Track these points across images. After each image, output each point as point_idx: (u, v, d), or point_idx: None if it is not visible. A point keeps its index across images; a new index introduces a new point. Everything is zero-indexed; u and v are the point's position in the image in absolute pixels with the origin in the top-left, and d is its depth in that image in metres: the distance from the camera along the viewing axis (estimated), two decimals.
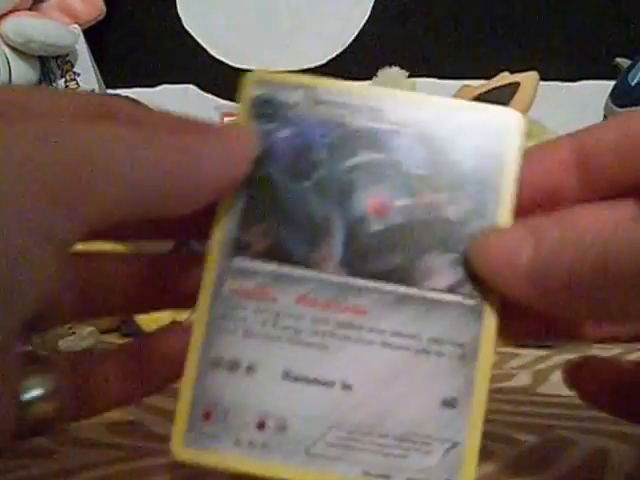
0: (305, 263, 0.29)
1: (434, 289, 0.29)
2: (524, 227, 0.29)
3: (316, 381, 0.29)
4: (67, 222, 0.24)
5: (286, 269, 0.29)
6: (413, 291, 0.29)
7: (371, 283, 0.29)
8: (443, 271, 0.29)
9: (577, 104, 0.77)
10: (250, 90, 0.30)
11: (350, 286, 0.29)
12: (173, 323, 0.31)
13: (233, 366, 0.29)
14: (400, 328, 0.29)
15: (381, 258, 0.29)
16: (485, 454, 0.29)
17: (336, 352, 0.29)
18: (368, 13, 0.87)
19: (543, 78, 0.69)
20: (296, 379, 0.29)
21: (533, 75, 0.69)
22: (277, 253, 0.29)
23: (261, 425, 0.28)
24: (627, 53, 0.71)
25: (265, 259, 0.29)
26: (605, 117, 0.68)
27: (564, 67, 0.82)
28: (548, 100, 0.70)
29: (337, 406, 0.29)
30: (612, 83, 0.68)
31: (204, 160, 0.27)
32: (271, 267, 0.29)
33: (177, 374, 0.29)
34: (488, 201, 0.30)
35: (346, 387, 0.29)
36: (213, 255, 0.29)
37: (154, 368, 0.31)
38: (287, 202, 0.30)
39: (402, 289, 0.29)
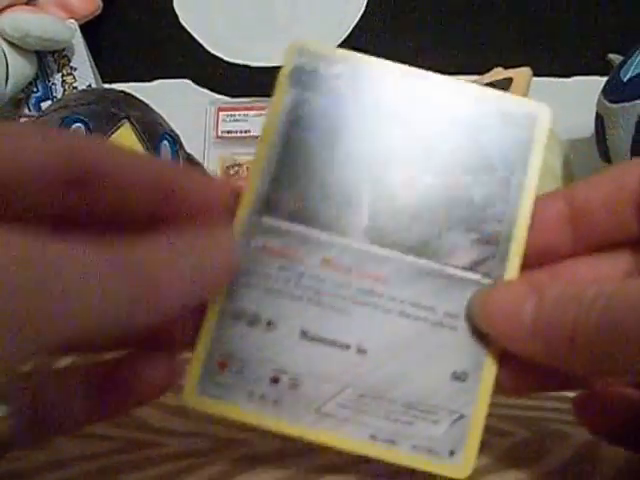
0: (332, 228, 0.30)
1: (454, 265, 0.30)
2: (526, 283, 0.29)
3: (332, 342, 0.29)
4: (12, 343, 0.22)
5: (313, 232, 0.30)
6: (434, 265, 0.30)
7: (393, 253, 0.30)
8: (464, 249, 0.30)
9: (570, 100, 0.77)
10: (293, 58, 0.31)
11: (373, 254, 0.30)
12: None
13: (253, 320, 0.29)
14: (418, 299, 0.30)
15: (405, 231, 0.30)
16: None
17: (354, 317, 0.29)
18: (363, 8, 0.88)
19: (536, 74, 0.70)
20: (313, 339, 0.29)
21: (526, 71, 0.69)
22: (306, 216, 0.30)
23: (275, 380, 0.29)
24: (619, 49, 0.72)
25: (294, 220, 0.30)
26: (597, 113, 0.68)
27: (557, 63, 0.82)
28: (541, 95, 0.70)
29: (350, 369, 0.29)
30: (605, 79, 0.68)
31: (172, 284, 0.25)
32: (299, 228, 0.30)
33: (148, 397, 0.29)
34: (512, 187, 0.31)
35: (361, 351, 0.29)
36: (243, 210, 0.30)
37: (120, 390, 0.29)
38: (319, 168, 0.30)
39: (423, 262, 0.30)
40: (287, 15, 0.89)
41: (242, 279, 0.29)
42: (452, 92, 0.31)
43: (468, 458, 0.29)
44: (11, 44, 0.75)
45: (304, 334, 0.29)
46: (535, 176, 0.31)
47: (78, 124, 0.64)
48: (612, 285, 0.26)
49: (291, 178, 0.30)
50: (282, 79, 0.31)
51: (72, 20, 0.81)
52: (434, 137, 0.31)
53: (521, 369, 0.30)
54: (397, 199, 0.30)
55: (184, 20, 0.89)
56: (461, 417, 0.29)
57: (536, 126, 0.31)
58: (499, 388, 0.30)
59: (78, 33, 0.81)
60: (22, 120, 0.78)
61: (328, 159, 0.30)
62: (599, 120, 0.68)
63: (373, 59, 0.31)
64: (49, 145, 0.27)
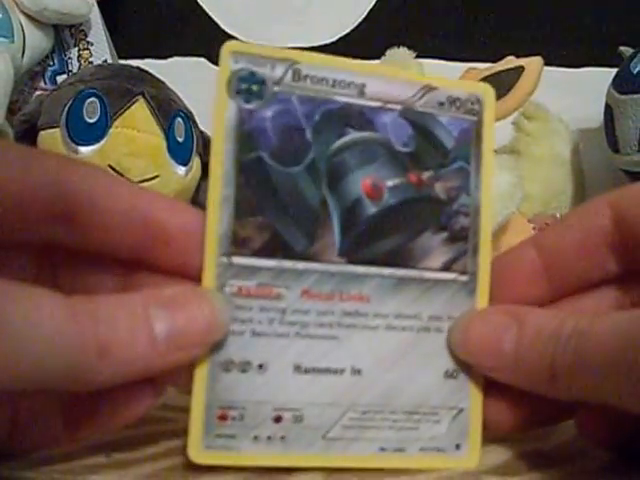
0: (306, 255, 0.29)
1: (430, 269, 0.30)
2: (505, 312, 0.29)
3: (327, 370, 0.29)
4: None
5: (287, 264, 0.28)
6: (411, 273, 0.30)
7: (371, 269, 0.29)
8: (437, 250, 0.30)
9: (580, 90, 0.77)
10: (229, 63, 0.28)
11: (351, 275, 0.29)
12: None
13: (244, 367, 0.28)
14: (401, 310, 0.30)
15: (378, 242, 0.29)
16: None
17: (344, 340, 0.29)
18: None
19: (547, 63, 0.70)
20: (307, 371, 0.29)
21: (538, 60, 0.69)
22: (277, 248, 0.28)
23: (278, 420, 0.29)
24: (631, 41, 0.72)
25: (265, 255, 0.28)
26: (607, 103, 0.69)
27: (568, 53, 0.82)
28: (552, 85, 0.70)
29: (349, 391, 0.29)
30: (615, 70, 0.69)
31: (136, 346, 0.25)
32: (272, 263, 0.28)
33: (125, 421, 0.28)
34: (471, 177, 0.30)
35: (355, 372, 0.29)
36: (211, 255, 0.28)
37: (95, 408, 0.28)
38: (280, 189, 0.28)
39: (401, 272, 0.30)
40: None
41: None
42: (398, 83, 0.30)
43: (474, 447, 0.30)
44: (29, 17, 0.74)
45: (297, 368, 0.29)
46: (490, 159, 0.30)
47: (93, 98, 0.64)
48: (586, 321, 0.27)
49: (253, 206, 0.28)
50: (219, 91, 0.28)
51: None
52: (389, 134, 0.30)
53: (509, 405, 0.30)
54: (365, 210, 0.29)
55: None
56: (460, 411, 0.30)
57: (483, 108, 0.30)
58: (492, 428, 0.30)
59: (95, 8, 0.81)
60: (38, 92, 0.79)
61: (288, 176, 0.29)
62: (608, 111, 0.68)
63: (314, 54, 0.29)
64: (32, 178, 0.26)
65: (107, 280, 0.29)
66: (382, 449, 0.29)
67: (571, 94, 0.77)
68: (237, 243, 0.28)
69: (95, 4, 0.81)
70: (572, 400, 0.28)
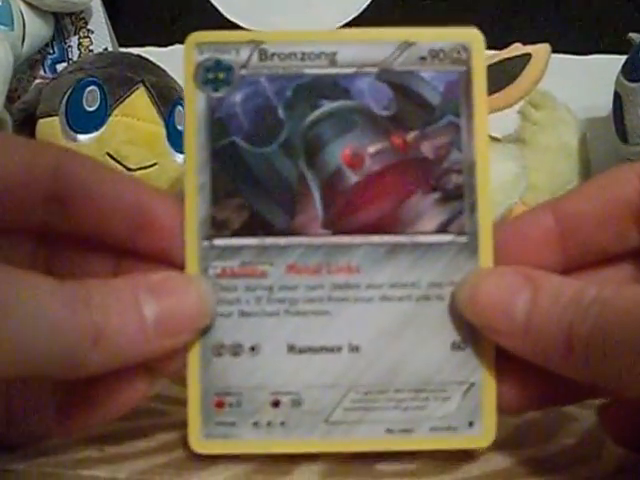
0: (288, 231, 0.28)
1: (424, 232, 0.28)
2: (519, 273, 0.27)
3: (323, 349, 0.28)
4: None
5: (269, 241, 0.28)
6: (403, 238, 0.28)
7: (359, 239, 0.28)
8: (429, 212, 0.28)
9: (588, 77, 0.76)
10: (193, 55, 0.28)
11: (338, 246, 0.28)
12: None
13: (236, 350, 0.28)
14: (397, 279, 0.28)
15: (364, 211, 0.28)
16: None
17: (337, 315, 0.28)
18: None
19: (555, 50, 0.69)
20: (302, 351, 0.28)
21: (545, 47, 0.68)
22: (257, 226, 0.28)
23: (276, 404, 0.28)
24: None
25: (245, 234, 0.28)
26: (616, 91, 0.68)
27: (576, 40, 0.81)
28: (559, 72, 0.69)
29: (348, 369, 0.28)
30: (624, 58, 0.68)
31: (125, 330, 0.25)
32: (253, 241, 0.28)
33: (116, 415, 0.28)
34: (462, 131, 0.29)
35: (354, 349, 0.28)
36: (192, 240, 0.28)
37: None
38: (256, 169, 0.28)
39: (391, 238, 0.28)
40: None
41: None
42: (371, 45, 0.29)
43: (488, 424, 0.29)
44: (29, 4, 0.74)
45: (291, 348, 0.28)
46: (483, 111, 0.29)
47: (93, 87, 0.64)
48: (610, 289, 0.25)
49: (230, 188, 0.28)
50: (188, 84, 0.29)
51: None
52: (366, 100, 0.29)
53: (521, 381, 0.28)
54: (345, 179, 0.28)
55: None
56: (471, 386, 0.28)
57: (471, 56, 0.29)
58: (501, 406, 0.28)
59: None
60: (37, 81, 0.78)
61: (263, 156, 0.28)
62: (617, 99, 0.67)
63: (278, 32, 0.29)
64: (36, 159, 0.27)
65: (98, 266, 0.30)
66: (389, 431, 0.28)
67: (579, 82, 0.76)
68: (216, 226, 0.28)
69: None
70: (584, 379, 0.26)
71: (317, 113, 0.29)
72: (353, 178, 0.28)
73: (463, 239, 0.29)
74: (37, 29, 0.75)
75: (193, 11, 0.87)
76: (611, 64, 0.70)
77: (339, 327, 0.28)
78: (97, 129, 0.63)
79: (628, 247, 0.29)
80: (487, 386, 0.28)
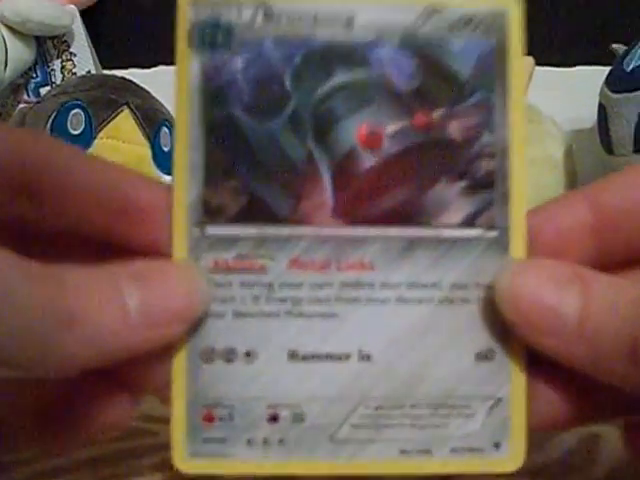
0: (292, 219, 0.25)
1: (448, 225, 0.25)
2: (567, 268, 0.24)
3: (329, 356, 0.25)
4: None
5: (270, 230, 0.25)
6: (424, 232, 0.25)
7: (374, 230, 0.25)
8: (455, 202, 0.25)
9: (573, 89, 0.76)
10: (188, 13, 0.25)
11: (350, 238, 0.25)
12: None
13: (229, 355, 0.25)
14: (416, 278, 0.25)
15: (381, 199, 0.25)
16: None
17: (346, 319, 0.25)
18: None
19: (538, 63, 0.69)
20: (305, 358, 0.25)
21: (528, 60, 0.68)
22: (256, 212, 0.25)
23: (274, 418, 0.25)
24: (623, 39, 0.71)
25: (243, 221, 0.25)
26: (600, 103, 0.68)
27: (560, 52, 0.82)
28: (544, 85, 0.70)
29: (357, 381, 0.25)
30: (608, 69, 0.68)
31: (103, 326, 0.22)
32: (252, 230, 0.25)
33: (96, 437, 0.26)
34: (496, 110, 0.25)
35: (364, 357, 0.25)
36: (181, 228, 0.25)
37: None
38: (258, 148, 0.25)
39: (411, 231, 0.25)
40: None
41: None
42: (395, 9, 0.25)
43: (517, 445, 0.25)
44: (10, 29, 0.73)
45: (293, 355, 0.25)
46: (519, 89, 0.25)
47: (77, 110, 0.64)
48: None
49: (227, 168, 0.25)
50: (180, 44, 0.25)
51: (72, 5, 0.80)
52: (386, 71, 0.25)
53: (558, 395, 0.25)
54: (360, 161, 0.25)
55: None
56: (498, 401, 0.25)
57: (508, 24, 0.25)
58: (532, 424, 0.25)
59: (78, 19, 0.79)
60: (21, 105, 0.78)
61: (265, 133, 0.25)
62: (602, 110, 0.67)
63: None
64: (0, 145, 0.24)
65: (80, 259, 0.26)
66: (403, 452, 0.25)
67: (563, 94, 0.76)
68: (210, 211, 0.25)
69: (77, 14, 0.80)
70: None
71: (329, 84, 0.25)
72: (369, 160, 0.25)
73: (493, 234, 0.25)
74: (19, 53, 0.75)
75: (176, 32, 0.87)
76: (595, 75, 0.70)
77: (348, 332, 0.25)
78: None
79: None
80: (516, 402, 0.25)
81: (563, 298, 0.23)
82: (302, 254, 0.25)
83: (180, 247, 0.25)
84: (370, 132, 0.25)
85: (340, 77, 0.25)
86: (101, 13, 0.86)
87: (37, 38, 0.78)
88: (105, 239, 0.26)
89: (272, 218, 0.25)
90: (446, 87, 0.25)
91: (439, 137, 0.25)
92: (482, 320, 0.25)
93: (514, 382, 0.25)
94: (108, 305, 0.22)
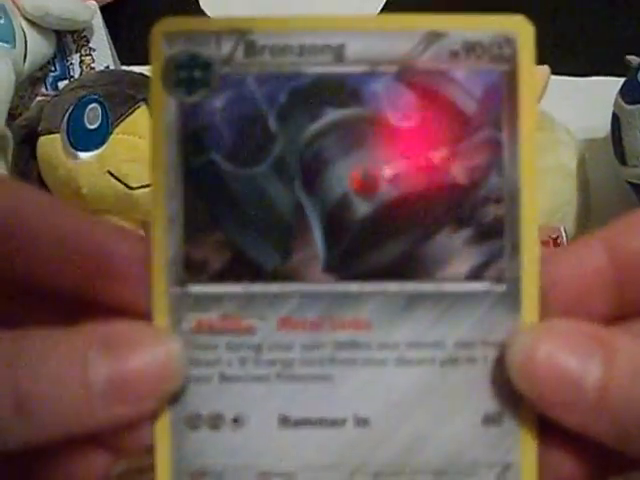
0: (280, 275, 0.23)
1: (452, 279, 0.23)
2: (589, 334, 0.22)
3: (323, 421, 0.23)
4: None
5: (257, 287, 0.23)
6: (426, 286, 0.23)
7: (370, 286, 0.23)
8: (460, 253, 0.23)
9: (587, 99, 0.76)
10: (163, 48, 0.22)
11: (344, 295, 0.23)
12: None
13: (215, 422, 0.23)
14: (417, 337, 0.23)
15: (377, 250, 0.23)
16: None
17: (341, 381, 0.23)
18: None
19: (554, 72, 0.70)
20: (297, 424, 0.23)
21: (544, 69, 0.69)
22: (241, 268, 0.23)
23: None
24: (638, 50, 0.72)
25: (227, 279, 0.23)
26: (614, 113, 0.68)
27: (575, 62, 0.82)
28: (558, 94, 0.70)
29: (354, 447, 0.23)
30: (622, 80, 0.68)
31: (62, 400, 0.20)
32: (237, 288, 0.23)
33: None
34: (505, 148, 0.22)
35: (361, 422, 0.23)
36: (160, 286, 0.23)
37: None
38: (241, 197, 0.23)
39: (411, 286, 0.23)
40: (305, 2, 0.89)
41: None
42: (391, 36, 0.22)
43: None
44: (30, 22, 0.72)
45: (284, 421, 0.23)
46: (531, 124, 0.22)
47: (94, 104, 0.63)
48: None
49: (208, 220, 0.23)
50: (154, 85, 0.22)
51: (92, 1, 0.79)
52: (381, 107, 0.22)
53: (570, 459, 0.22)
54: (354, 209, 0.22)
55: (204, 4, 0.88)
56: (507, 467, 0.23)
57: (517, 51, 0.22)
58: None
59: (98, 14, 0.79)
60: (39, 98, 0.78)
61: (249, 180, 0.22)
62: (615, 121, 0.67)
63: (270, 19, 0.22)
64: None
65: (51, 317, 0.24)
66: None
67: (578, 104, 0.76)
68: (191, 268, 0.23)
69: (97, 10, 0.79)
70: None
71: (318, 124, 0.23)
72: (363, 208, 0.23)
73: (501, 288, 0.23)
74: (39, 47, 0.75)
75: None
76: (609, 86, 0.70)
77: (343, 396, 0.23)
78: (98, 147, 0.62)
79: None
80: (527, 468, 0.23)
81: (583, 367, 0.21)
82: (292, 313, 0.23)
83: (160, 307, 0.22)
84: (364, 176, 0.22)
85: (330, 115, 0.22)
86: (121, 9, 0.85)
87: (57, 32, 0.78)
88: (77, 297, 0.24)
89: (259, 274, 0.23)
90: (449, 124, 0.23)
91: (441, 180, 0.22)
92: (490, 381, 0.23)
93: (524, 447, 0.23)
94: (67, 382, 0.20)
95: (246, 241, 0.23)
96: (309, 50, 0.22)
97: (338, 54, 0.22)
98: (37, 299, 0.24)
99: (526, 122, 0.22)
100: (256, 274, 0.23)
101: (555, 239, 0.61)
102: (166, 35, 0.22)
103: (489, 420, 0.23)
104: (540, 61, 0.74)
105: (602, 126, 0.70)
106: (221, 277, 0.23)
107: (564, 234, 0.61)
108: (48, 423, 0.20)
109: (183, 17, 0.22)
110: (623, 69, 0.69)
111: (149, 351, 0.21)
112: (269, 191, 0.22)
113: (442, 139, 0.22)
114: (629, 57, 0.69)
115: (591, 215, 0.67)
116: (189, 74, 0.22)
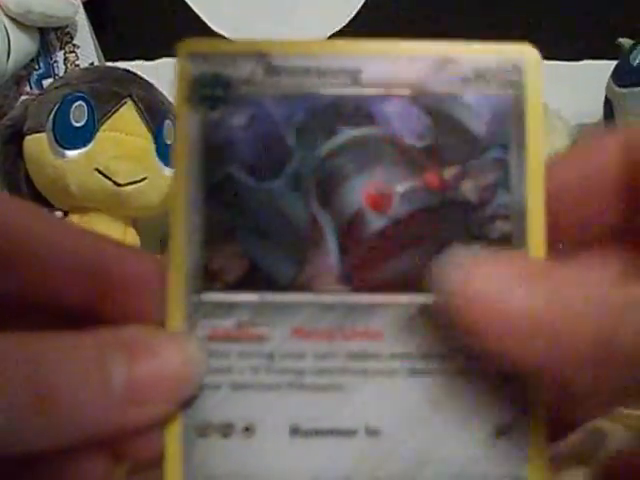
0: (294, 285, 0.23)
1: None
2: (520, 258, 0.22)
3: (334, 432, 0.23)
4: None
5: (271, 297, 0.23)
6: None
7: (382, 297, 0.23)
8: None
9: (579, 83, 0.76)
10: (187, 67, 0.23)
11: (356, 305, 0.23)
12: None
13: (226, 430, 0.23)
14: (429, 348, 0.23)
15: (389, 263, 0.23)
16: None
17: (352, 392, 0.23)
18: None
19: (545, 57, 0.70)
20: (308, 434, 0.23)
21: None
22: (257, 278, 0.23)
23: None
24: (630, 33, 0.71)
25: (243, 288, 0.23)
26: (606, 97, 0.68)
27: (567, 46, 0.82)
28: (550, 79, 0.70)
29: (365, 458, 0.23)
30: (614, 63, 0.68)
31: (86, 401, 0.20)
32: (252, 297, 0.23)
33: None
34: (512, 168, 0.23)
35: (372, 433, 0.23)
36: (177, 294, 0.23)
37: None
38: (257, 209, 0.23)
39: (423, 299, 0.23)
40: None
41: None
42: (405, 61, 0.24)
43: None
44: (13, 20, 0.71)
45: (295, 431, 0.23)
46: (539, 143, 0.23)
47: (80, 102, 0.63)
48: None
49: (227, 231, 0.23)
50: (179, 102, 0.23)
51: None
52: (395, 127, 0.23)
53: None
54: (367, 223, 0.23)
55: None
56: None
57: (525, 77, 0.24)
58: None
59: (81, 10, 0.78)
60: (23, 97, 0.78)
61: (266, 193, 0.23)
62: (608, 104, 0.67)
63: (289, 42, 0.23)
64: None
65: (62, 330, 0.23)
66: None
67: (570, 88, 0.75)
68: (208, 277, 0.23)
69: (81, 6, 0.78)
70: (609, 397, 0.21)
71: (334, 142, 0.23)
72: (377, 223, 0.23)
73: None
74: (22, 45, 0.74)
75: (180, 24, 0.86)
76: (602, 69, 0.70)
77: (354, 406, 0.23)
78: (85, 145, 0.62)
79: (610, 226, 0.24)
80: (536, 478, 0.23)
81: (512, 292, 0.20)
82: (305, 322, 0.23)
83: (176, 314, 0.23)
84: (378, 192, 0.23)
85: (346, 134, 0.23)
86: (105, 5, 0.85)
87: (40, 29, 0.77)
88: (88, 313, 0.23)
89: (274, 284, 0.23)
90: (459, 144, 0.23)
91: (451, 197, 0.23)
92: (501, 393, 0.23)
93: (535, 459, 0.23)
94: (89, 380, 0.20)
95: (262, 252, 0.23)
96: (326, 73, 0.23)
97: (354, 77, 0.23)
98: (49, 314, 0.24)
99: (533, 143, 0.23)
100: (271, 284, 0.23)
101: None
102: (191, 55, 0.23)
103: (500, 431, 0.23)
104: (531, 45, 0.74)
105: (595, 110, 0.70)
106: (237, 286, 0.23)
107: None
108: (71, 423, 0.20)
109: (206, 38, 0.23)
110: (615, 52, 0.69)
111: (167, 353, 0.22)
112: (285, 204, 0.23)
113: (452, 158, 0.23)
114: (621, 40, 0.69)
115: None
116: (211, 92, 0.23)
